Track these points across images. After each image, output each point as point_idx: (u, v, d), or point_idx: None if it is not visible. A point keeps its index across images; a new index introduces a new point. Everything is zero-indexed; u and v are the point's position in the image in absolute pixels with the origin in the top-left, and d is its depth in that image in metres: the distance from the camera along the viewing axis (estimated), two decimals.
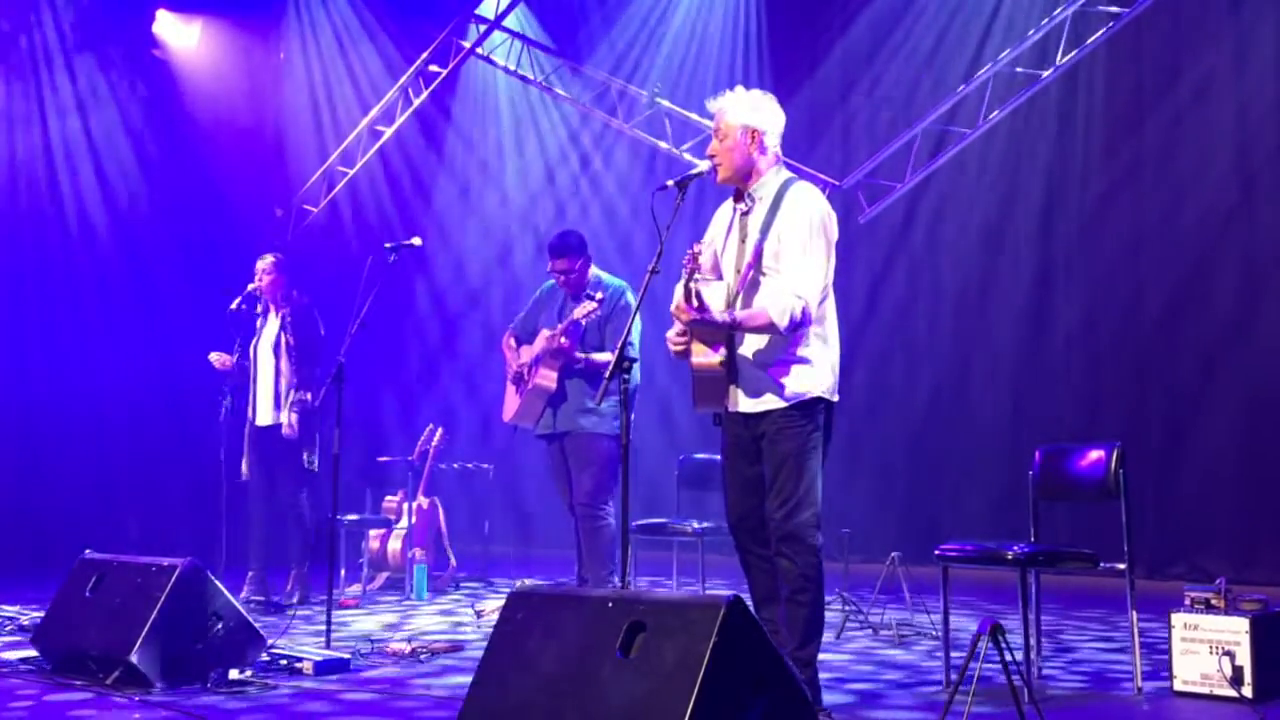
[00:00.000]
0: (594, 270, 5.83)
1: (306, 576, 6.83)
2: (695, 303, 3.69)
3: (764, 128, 3.93)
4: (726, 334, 3.86)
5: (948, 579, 4.52)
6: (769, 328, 3.76)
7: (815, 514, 3.82)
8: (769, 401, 3.84)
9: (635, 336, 5.24)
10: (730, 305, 3.87)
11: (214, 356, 6.91)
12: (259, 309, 6.96)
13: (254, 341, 6.92)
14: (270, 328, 6.86)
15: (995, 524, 7.95)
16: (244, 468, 6.85)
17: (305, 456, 6.72)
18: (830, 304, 3.94)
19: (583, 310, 5.45)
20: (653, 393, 9.46)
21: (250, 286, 6.85)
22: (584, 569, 5.65)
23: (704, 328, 3.82)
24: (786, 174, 4.00)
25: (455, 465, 9.00)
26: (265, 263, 6.86)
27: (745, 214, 3.97)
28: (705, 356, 3.89)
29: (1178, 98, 8.20)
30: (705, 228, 4.14)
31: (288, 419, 6.67)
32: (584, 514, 5.61)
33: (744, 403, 3.88)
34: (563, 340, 5.54)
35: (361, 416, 9.84)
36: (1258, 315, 7.82)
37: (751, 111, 3.93)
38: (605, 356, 5.53)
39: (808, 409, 3.84)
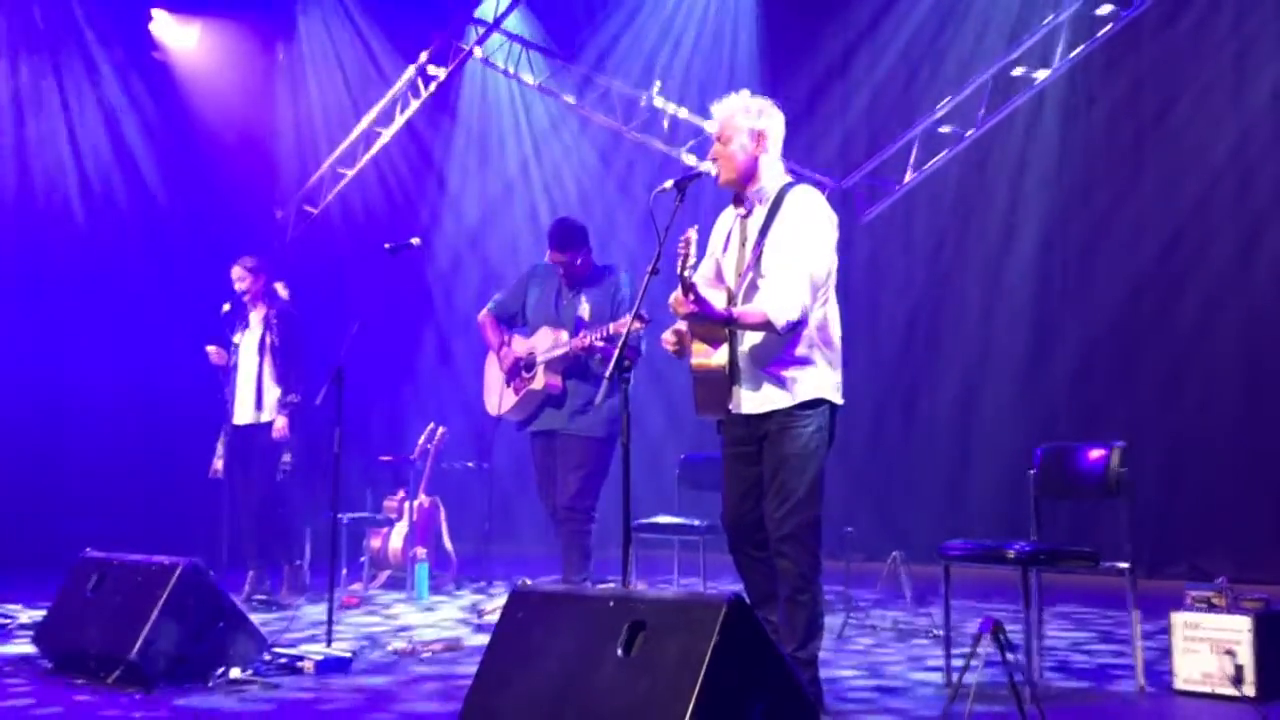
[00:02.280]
0: (622, 280, 5.67)
1: (302, 572, 6.83)
2: (692, 296, 3.67)
3: (765, 131, 3.94)
4: (726, 333, 3.85)
5: (949, 578, 4.52)
6: (766, 326, 3.75)
7: (816, 515, 3.81)
8: (774, 402, 3.83)
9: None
10: (730, 306, 3.87)
11: (212, 349, 6.93)
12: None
13: (236, 341, 6.93)
14: (254, 327, 6.90)
15: (996, 523, 7.95)
16: (218, 465, 6.85)
17: (285, 458, 6.72)
18: (833, 306, 3.94)
19: (628, 324, 5.35)
20: (653, 392, 9.47)
21: (237, 287, 6.88)
22: (567, 571, 5.50)
23: (701, 322, 3.81)
24: (787, 177, 4.01)
25: (456, 465, 9.00)
26: (239, 270, 6.90)
27: (745, 218, 3.98)
28: (705, 357, 3.86)
29: (1178, 97, 8.20)
30: (704, 229, 4.13)
31: (279, 422, 6.68)
32: (566, 516, 5.47)
33: (748, 404, 3.87)
34: (598, 341, 5.37)
35: (361, 416, 9.83)
36: (1258, 315, 7.82)
37: (753, 115, 3.94)
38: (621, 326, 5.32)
39: (813, 410, 3.83)
